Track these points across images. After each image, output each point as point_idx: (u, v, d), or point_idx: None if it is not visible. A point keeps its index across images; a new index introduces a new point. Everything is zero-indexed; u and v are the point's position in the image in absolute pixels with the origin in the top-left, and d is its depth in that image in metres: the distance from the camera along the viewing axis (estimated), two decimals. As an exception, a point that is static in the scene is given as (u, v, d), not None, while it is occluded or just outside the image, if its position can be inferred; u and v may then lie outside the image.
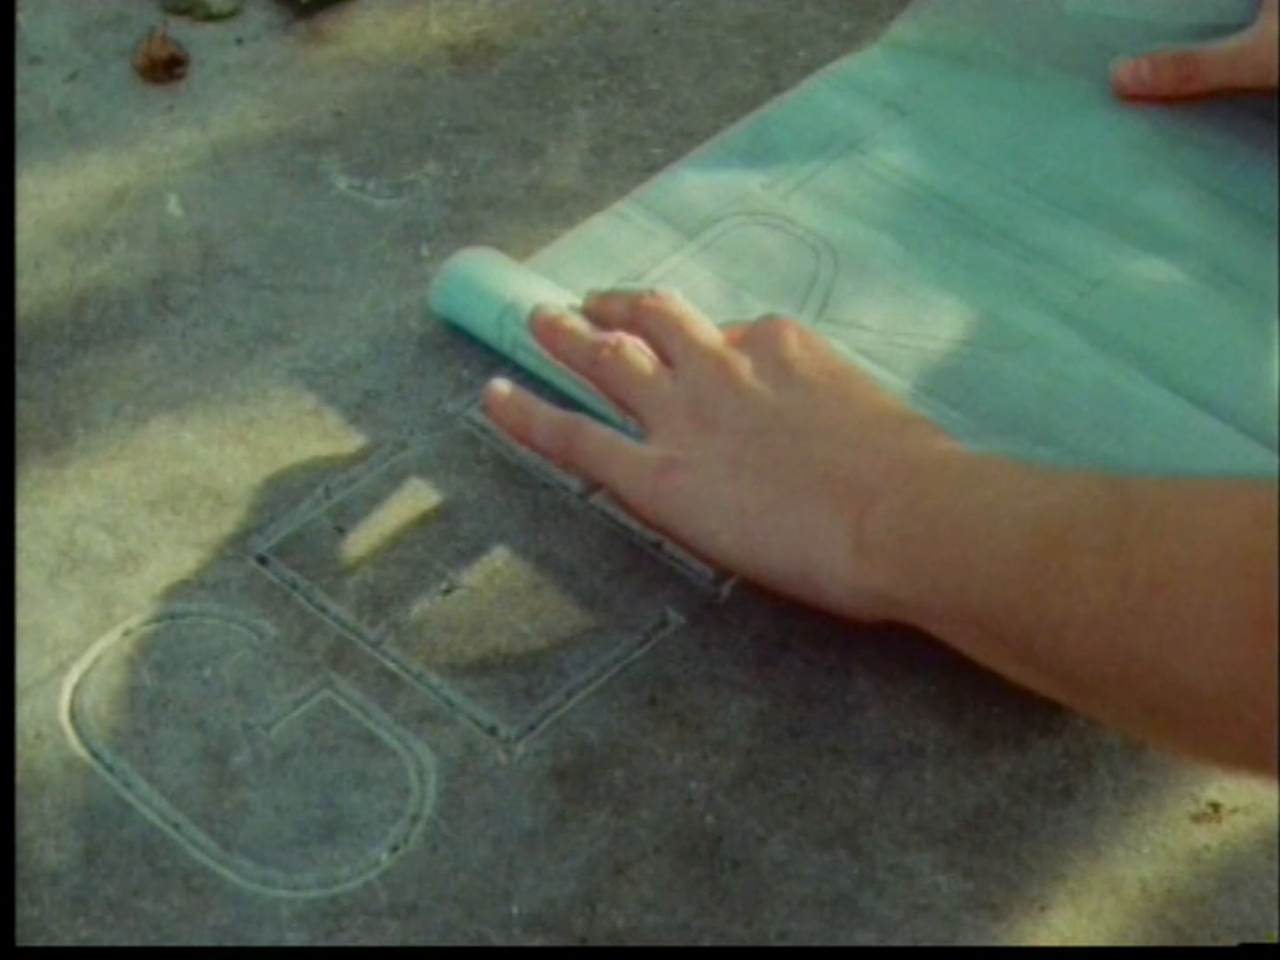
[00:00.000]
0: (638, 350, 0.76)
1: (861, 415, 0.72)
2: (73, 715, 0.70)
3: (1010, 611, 0.64)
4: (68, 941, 0.64)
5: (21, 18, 0.96)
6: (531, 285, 0.82)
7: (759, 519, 0.70)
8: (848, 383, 0.74)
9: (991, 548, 0.65)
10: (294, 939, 0.64)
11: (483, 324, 0.81)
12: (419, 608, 0.73)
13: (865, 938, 0.65)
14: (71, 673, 0.71)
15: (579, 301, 0.80)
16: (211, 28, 0.96)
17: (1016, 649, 0.65)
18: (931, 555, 0.67)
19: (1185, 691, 0.59)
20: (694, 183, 0.88)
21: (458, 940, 0.64)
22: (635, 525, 0.75)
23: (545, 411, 0.76)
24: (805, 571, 0.70)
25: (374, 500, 0.76)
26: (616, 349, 0.76)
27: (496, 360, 0.81)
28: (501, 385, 0.77)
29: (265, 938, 0.64)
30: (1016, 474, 0.68)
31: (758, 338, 0.75)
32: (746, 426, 0.72)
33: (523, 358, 0.80)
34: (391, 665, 0.71)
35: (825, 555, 0.69)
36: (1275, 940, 0.65)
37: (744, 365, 0.74)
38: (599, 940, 0.64)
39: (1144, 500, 0.63)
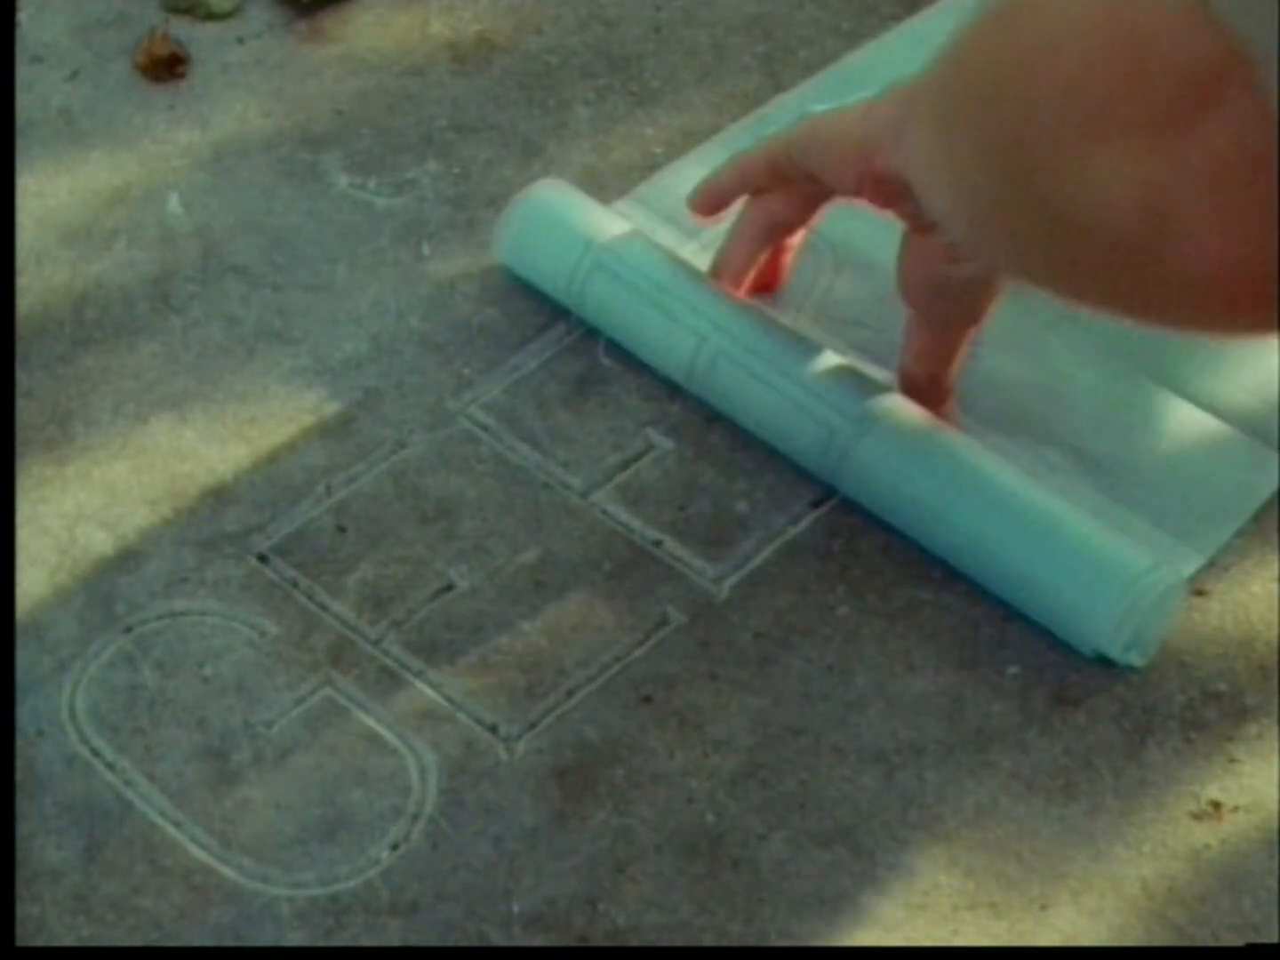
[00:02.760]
0: None
1: None
2: (73, 713, 0.70)
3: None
4: (68, 940, 0.64)
5: (23, 16, 0.96)
6: (615, 221, 0.83)
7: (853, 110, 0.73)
8: None
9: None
10: (294, 937, 0.64)
11: (560, 247, 0.82)
12: (419, 606, 0.73)
13: (865, 936, 0.65)
14: (72, 670, 0.71)
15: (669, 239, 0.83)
16: (212, 27, 0.96)
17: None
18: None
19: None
20: (695, 182, 0.88)
21: (458, 939, 0.64)
22: (635, 525, 0.75)
23: (713, 176, 0.81)
24: (860, 134, 0.72)
25: (374, 498, 0.76)
26: None
27: (499, 357, 0.81)
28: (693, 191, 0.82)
29: (266, 936, 0.64)
30: None
31: None
32: None
33: (598, 283, 0.80)
34: (392, 663, 0.71)
35: (870, 110, 0.72)
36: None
37: None
38: (599, 939, 0.65)
39: None
